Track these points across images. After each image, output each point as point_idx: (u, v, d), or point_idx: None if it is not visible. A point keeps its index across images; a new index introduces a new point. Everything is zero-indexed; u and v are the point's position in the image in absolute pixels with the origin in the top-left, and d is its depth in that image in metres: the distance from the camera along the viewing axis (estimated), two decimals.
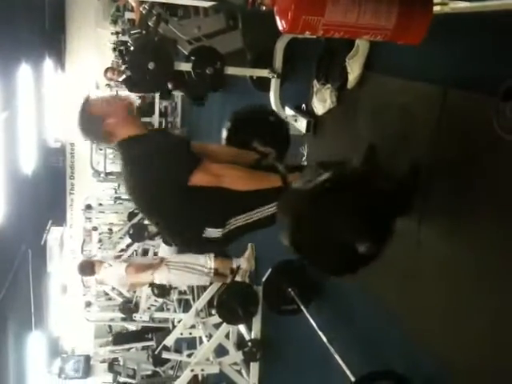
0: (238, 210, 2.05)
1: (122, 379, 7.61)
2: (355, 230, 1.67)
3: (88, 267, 4.74)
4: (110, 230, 9.27)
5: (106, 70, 7.45)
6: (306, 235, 1.68)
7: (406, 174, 2.21)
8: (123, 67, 6.51)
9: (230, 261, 4.56)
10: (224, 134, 2.62)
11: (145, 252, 7.58)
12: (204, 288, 5.33)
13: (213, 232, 2.05)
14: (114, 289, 7.75)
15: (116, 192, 10.36)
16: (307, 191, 1.69)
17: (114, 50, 10.02)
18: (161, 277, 4.47)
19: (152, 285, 6.07)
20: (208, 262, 4.50)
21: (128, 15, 7.39)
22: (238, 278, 4.28)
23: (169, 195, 2.01)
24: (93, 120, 2.05)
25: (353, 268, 1.80)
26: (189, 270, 4.49)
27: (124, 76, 6.40)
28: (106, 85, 9.71)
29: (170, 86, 7.25)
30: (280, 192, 2.00)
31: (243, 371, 4.35)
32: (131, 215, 7.73)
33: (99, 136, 2.12)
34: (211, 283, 4.70)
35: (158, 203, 2.06)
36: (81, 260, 5.45)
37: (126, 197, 10.12)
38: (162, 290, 6.24)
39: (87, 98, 2.09)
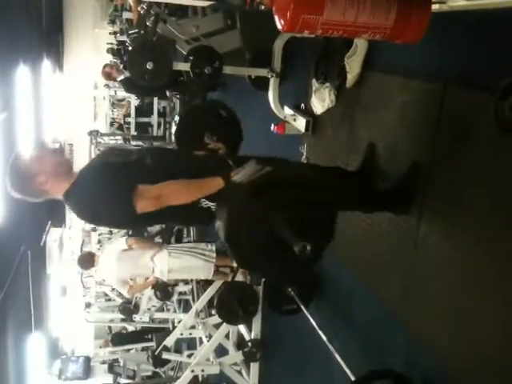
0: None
1: (122, 380, 7.60)
2: (290, 229, 1.59)
3: (88, 259, 4.71)
4: (111, 231, 9.24)
5: (105, 66, 7.42)
6: (243, 231, 1.63)
7: (405, 172, 2.21)
8: (121, 66, 6.48)
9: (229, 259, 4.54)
10: (174, 128, 2.60)
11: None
12: (204, 288, 5.33)
13: (208, 203, 1.97)
14: (113, 289, 7.73)
15: None
16: (244, 186, 1.66)
17: (112, 51, 9.98)
18: (161, 262, 4.38)
19: (154, 287, 6.08)
20: (209, 245, 4.50)
21: (126, 15, 7.37)
22: (239, 278, 4.27)
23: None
24: (24, 177, 1.95)
25: (284, 270, 1.76)
26: (189, 253, 4.46)
27: (122, 76, 6.38)
28: (105, 85, 9.70)
29: (167, 93, 7.27)
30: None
31: (243, 371, 4.34)
32: None
33: (32, 194, 2.01)
34: (212, 281, 4.69)
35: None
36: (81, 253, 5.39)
37: None
38: (164, 293, 6.24)
39: (17, 156, 1.98)
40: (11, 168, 1.98)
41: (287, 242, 1.56)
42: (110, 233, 8.99)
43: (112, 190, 1.88)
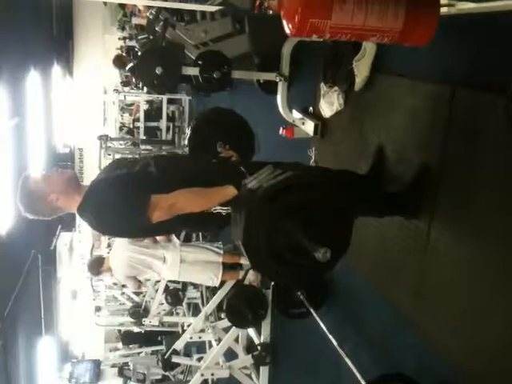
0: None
1: None
2: (308, 234, 1.57)
3: (98, 264, 4.72)
4: None
5: (116, 58, 7.49)
6: (259, 237, 1.61)
7: (415, 175, 2.20)
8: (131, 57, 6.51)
9: (238, 256, 4.57)
10: (188, 132, 2.64)
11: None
12: (213, 292, 5.33)
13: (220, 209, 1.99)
14: (123, 293, 7.76)
15: None
16: (262, 191, 1.63)
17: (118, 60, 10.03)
18: (172, 254, 4.43)
19: (166, 291, 6.10)
20: (215, 243, 4.67)
21: (135, 20, 7.43)
22: (250, 279, 4.28)
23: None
24: (35, 198, 1.99)
25: (300, 276, 1.73)
26: (199, 247, 4.62)
27: (131, 64, 6.39)
28: (114, 90, 9.76)
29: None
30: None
31: (253, 375, 4.33)
32: None
33: (44, 213, 2.05)
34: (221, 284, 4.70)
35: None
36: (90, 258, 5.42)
37: None
38: (176, 298, 6.26)
39: (27, 176, 2.03)
40: (22, 192, 2.02)
41: (305, 248, 1.54)
42: None
43: (124, 203, 1.89)
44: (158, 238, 4.50)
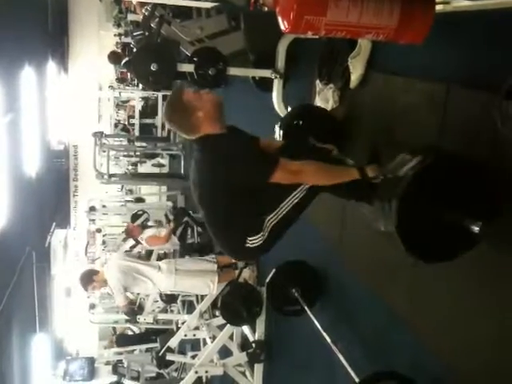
0: (268, 208, 2.07)
1: (126, 381, 7.60)
2: (466, 209, 1.63)
3: (88, 276, 4.69)
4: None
5: (111, 53, 7.46)
6: (413, 220, 1.66)
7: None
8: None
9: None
10: (278, 131, 2.69)
11: (149, 254, 7.59)
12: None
13: (255, 240, 2.07)
14: None
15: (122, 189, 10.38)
16: (409, 177, 1.66)
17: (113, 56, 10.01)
18: (166, 265, 4.49)
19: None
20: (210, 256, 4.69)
21: (131, 17, 7.41)
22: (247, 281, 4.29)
23: (229, 199, 2.07)
24: (183, 109, 2.05)
25: (454, 253, 1.76)
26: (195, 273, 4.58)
27: (126, 58, 6.37)
28: (109, 86, 9.74)
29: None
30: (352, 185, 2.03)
31: (247, 373, 4.34)
32: (134, 217, 7.74)
33: (185, 126, 2.10)
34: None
35: (216, 207, 2.12)
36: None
37: (130, 198, 10.16)
38: (170, 297, 6.26)
39: (182, 86, 2.13)
40: (171, 99, 2.10)
41: (458, 224, 1.61)
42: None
43: (256, 155, 2.02)
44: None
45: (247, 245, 2.08)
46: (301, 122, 2.73)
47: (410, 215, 1.65)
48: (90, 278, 4.61)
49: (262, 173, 1.97)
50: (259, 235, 2.07)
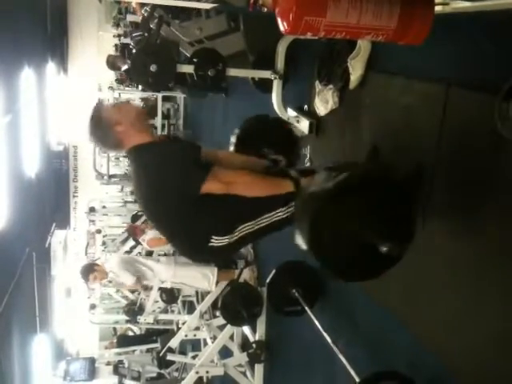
0: (247, 217, 2.04)
1: (127, 381, 7.60)
2: (377, 229, 1.63)
3: (88, 269, 4.76)
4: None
5: (108, 59, 7.44)
6: (326, 238, 1.64)
7: (409, 175, 2.21)
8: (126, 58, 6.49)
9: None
10: (233, 140, 2.64)
11: (148, 254, 7.60)
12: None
13: (220, 240, 2.03)
14: (118, 291, 7.76)
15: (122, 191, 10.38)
16: (325, 193, 1.65)
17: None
18: (167, 268, 4.53)
19: (161, 289, 6.11)
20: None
21: (130, 18, 7.41)
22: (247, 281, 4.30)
23: (176, 203, 2.00)
24: (103, 126, 2.01)
25: (374, 271, 1.77)
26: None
27: (126, 66, 6.38)
28: (109, 87, 9.72)
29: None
30: (289, 198, 2.00)
31: (248, 373, 4.34)
32: (135, 217, 7.75)
33: (109, 142, 2.07)
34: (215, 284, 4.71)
35: (165, 212, 2.05)
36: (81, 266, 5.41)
37: (130, 199, 10.15)
38: (171, 296, 6.26)
39: (99, 103, 2.10)
40: (93, 116, 2.05)
41: (371, 244, 1.61)
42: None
43: (190, 163, 1.94)
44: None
45: (210, 243, 2.03)
46: (256, 133, 2.68)
47: (325, 234, 1.64)
48: (91, 268, 4.69)
49: (193, 180, 1.92)
50: (226, 237, 2.02)
